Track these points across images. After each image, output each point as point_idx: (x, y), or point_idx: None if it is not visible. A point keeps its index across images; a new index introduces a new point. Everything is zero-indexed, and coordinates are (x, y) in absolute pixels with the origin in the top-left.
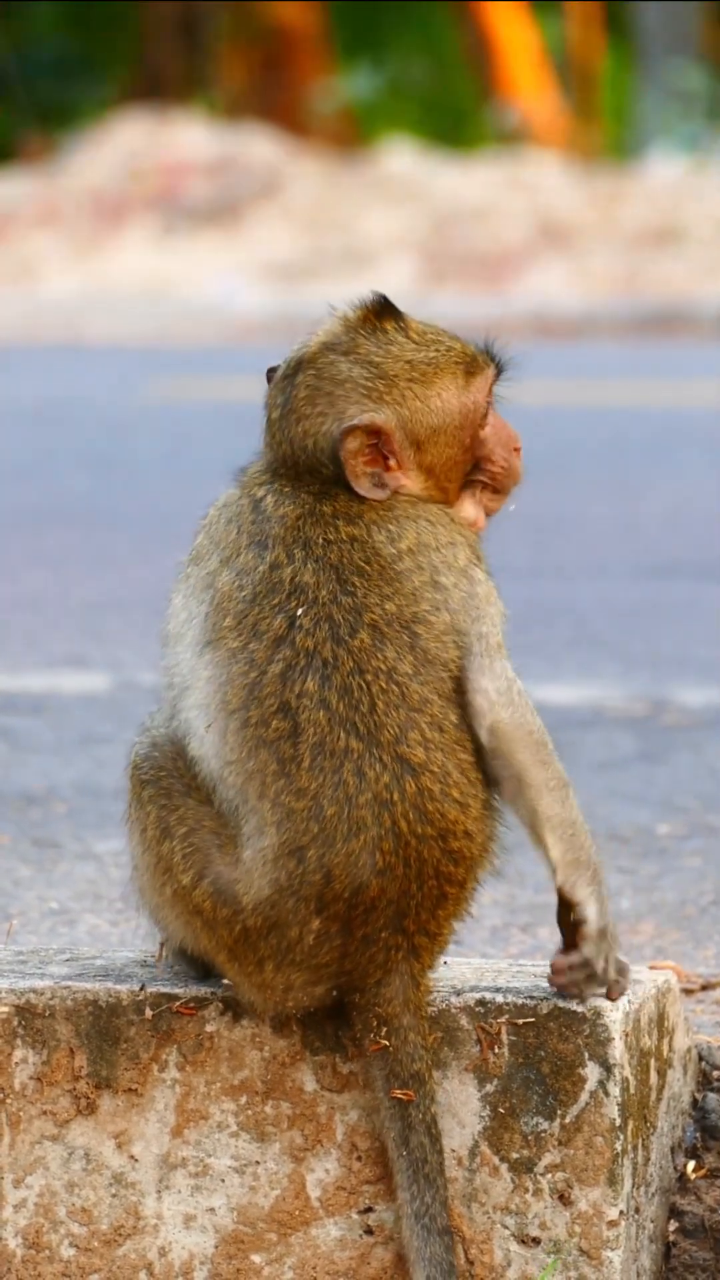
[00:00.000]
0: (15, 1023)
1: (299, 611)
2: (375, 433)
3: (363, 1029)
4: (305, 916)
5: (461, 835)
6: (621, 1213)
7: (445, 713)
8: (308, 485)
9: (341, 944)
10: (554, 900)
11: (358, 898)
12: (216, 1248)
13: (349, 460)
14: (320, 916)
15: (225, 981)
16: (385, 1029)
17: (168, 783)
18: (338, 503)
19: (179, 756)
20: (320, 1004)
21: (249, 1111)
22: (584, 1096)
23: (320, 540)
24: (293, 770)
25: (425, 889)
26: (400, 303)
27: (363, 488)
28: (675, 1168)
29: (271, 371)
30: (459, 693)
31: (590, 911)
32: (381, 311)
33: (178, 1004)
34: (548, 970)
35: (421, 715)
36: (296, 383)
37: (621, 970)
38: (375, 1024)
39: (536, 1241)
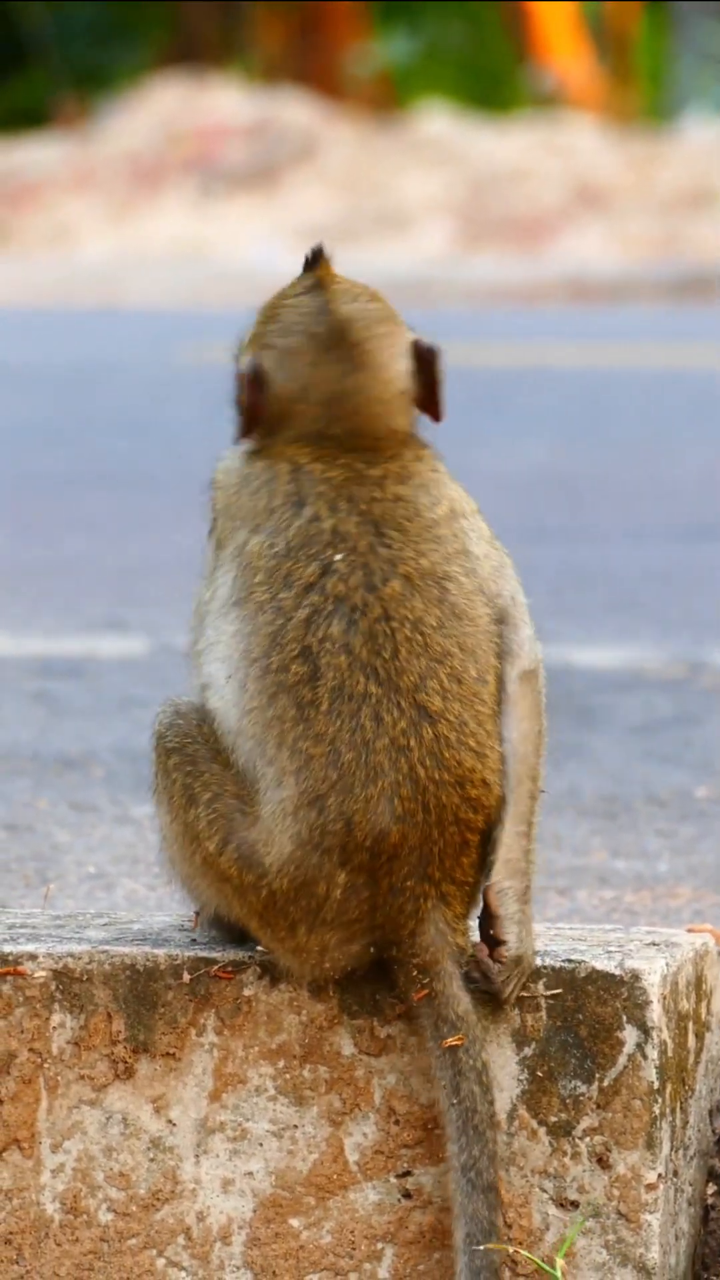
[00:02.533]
0: (53, 987)
1: (336, 558)
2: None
3: (405, 982)
4: (330, 870)
5: (479, 784)
6: (660, 1176)
7: (465, 666)
8: (357, 452)
9: (370, 896)
10: (590, 864)
11: (380, 846)
12: (254, 1212)
13: (438, 377)
14: (345, 869)
15: (260, 947)
16: (426, 977)
17: (192, 749)
18: (390, 466)
19: (203, 722)
20: (359, 963)
21: (287, 1075)
22: (622, 1060)
23: (366, 497)
24: (311, 715)
25: (447, 836)
26: (438, 266)
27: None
28: (714, 1130)
29: (250, 375)
30: (480, 650)
31: (511, 934)
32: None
33: (215, 968)
34: (584, 933)
35: (442, 666)
36: (351, 342)
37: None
38: (416, 974)
39: (575, 1205)
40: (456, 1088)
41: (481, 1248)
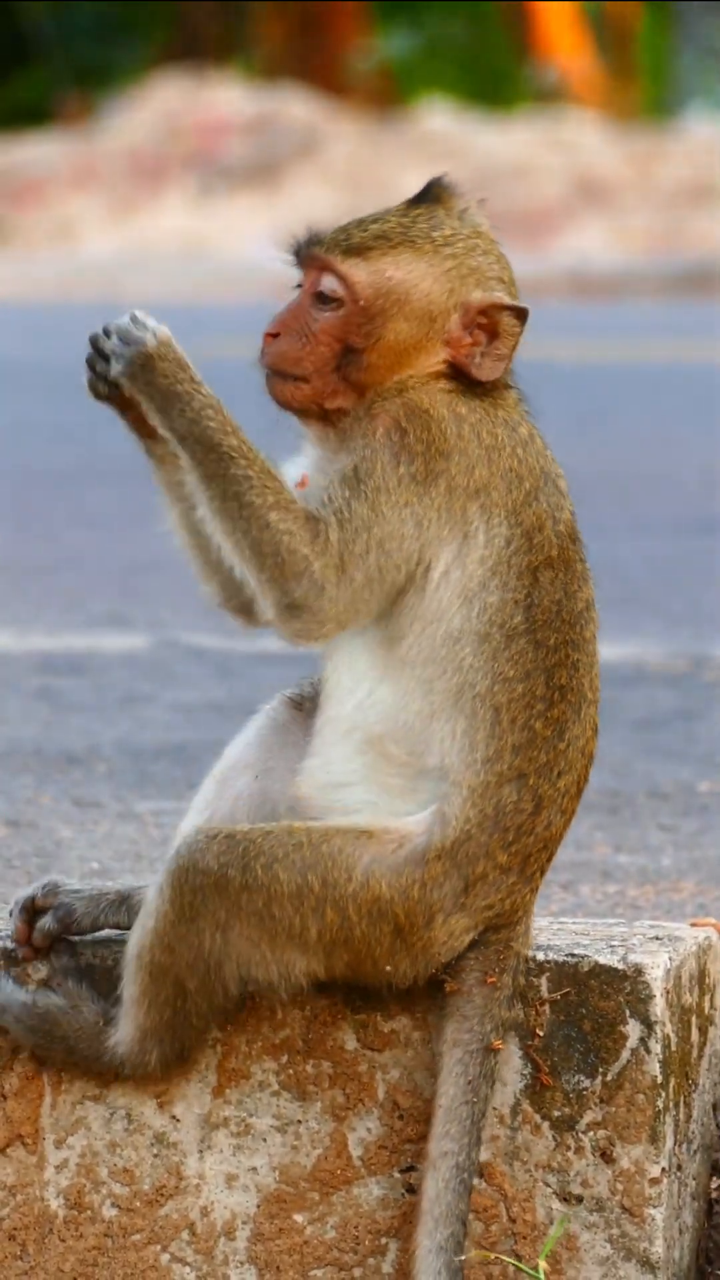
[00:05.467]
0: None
1: (586, 563)
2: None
3: (476, 963)
4: (494, 850)
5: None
6: (663, 1170)
7: None
8: (504, 407)
9: (513, 883)
10: (593, 859)
11: (546, 832)
12: (258, 1207)
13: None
14: (507, 851)
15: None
16: (502, 965)
17: (229, 854)
18: (524, 423)
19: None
20: (457, 953)
21: (290, 1071)
22: (625, 1054)
23: (556, 472)
24: (555, 698)
25: (565, 834)
26: None
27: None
28: (717, 1124)
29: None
30: None
31: None
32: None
33: None
34: (588, 927)
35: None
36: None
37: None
38: (498, 958)
39: (579, 1199)
40: (476, 1088)
41: (463, 1257)
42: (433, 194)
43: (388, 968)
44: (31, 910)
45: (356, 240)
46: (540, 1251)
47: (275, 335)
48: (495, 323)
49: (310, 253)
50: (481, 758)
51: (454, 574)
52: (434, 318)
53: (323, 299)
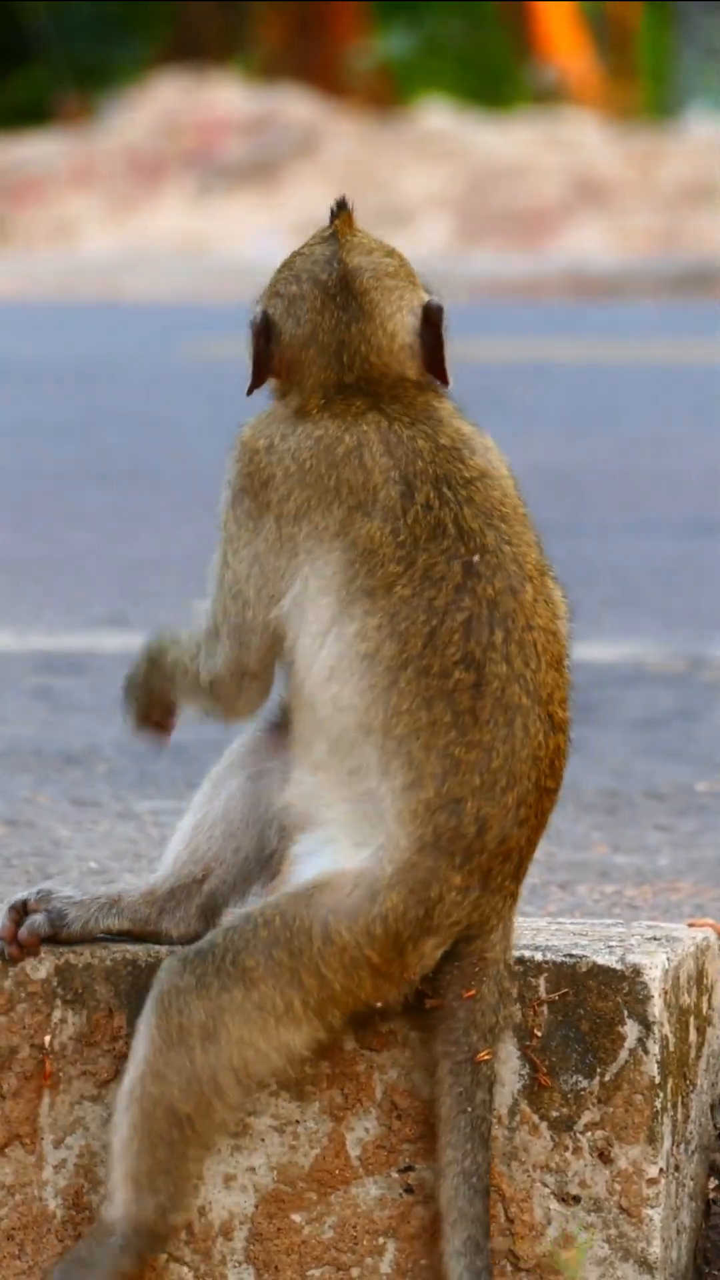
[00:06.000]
0: (55, 983)
1: (475, 559)
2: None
3: (453, 977)
4: (446, 873)
5: (559, 789)
6: (661, 1170)
7: (569, 669)
8: (401, 411)
9: (477, 898)
10: (591, 859)
11: (501, 848)
12: (257, 1207)
13: (444, 339)
14: (461, 871)
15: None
16: (478, 977)
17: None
18: (441, 431)
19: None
20: (431, 969)
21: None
22: (623, 1054)
23: (459, 478)
24: (467, 722)
25: (537, 838)
26: (437, 262)
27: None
28: (715, 1125)
29: (259, 324)
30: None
31: None
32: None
33: None
34: (586, 927)
35: (561, 676)
36: (356, 290)
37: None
38: (474, 970)
39: (576, 1199)
40: (471, 1096)
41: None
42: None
43: (378, 1004)
44: (22, 911)
45: None
46: (568, 1265)
47: None
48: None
49: None
50: (401, 786)
51: (306, 610)
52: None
53: None
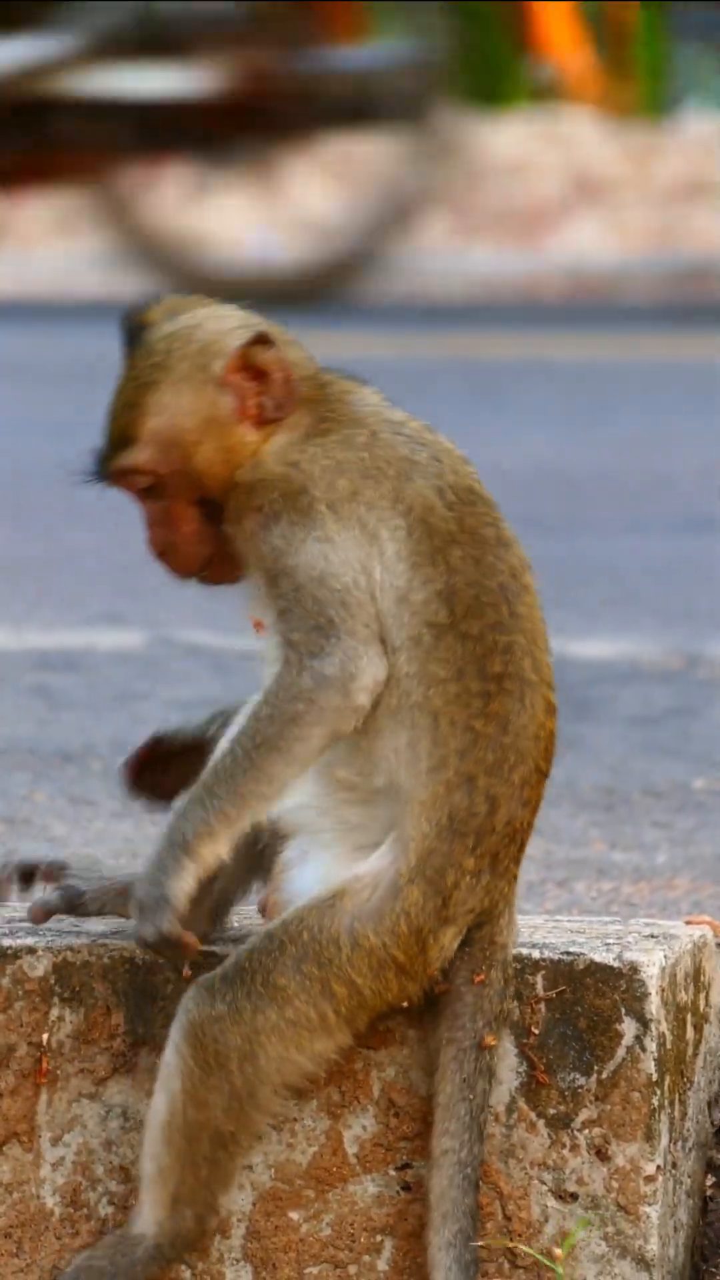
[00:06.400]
0: (52, 981)
1: (501, 524)
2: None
3: (463, 962)
4: (460, 857)
5: (548, 775)
6: (659, 1168)
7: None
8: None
9: (488, 882)
10: (588, 856)
11: (508, 828)
12: (254, 1205)
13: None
14: (474, 854)
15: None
16: (489, 961)
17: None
18: (406, 414)
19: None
20: (449, 959)
21: None
22: (621, 1052)
23: (456, 452)
24: (492, 691)
25: (533, 822)
26: (435, 259)
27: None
28: (712, 1122)
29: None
30: None
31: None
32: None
33: (215, 961)
34: (583, 925)
35: (550, 659)
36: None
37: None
38: (484, 955)
39: (574, 1197)
40: (472, 1084)
41: (479, 1243)
42: (134, 329)
43: (404, 1004)
44: (30, 874)
45: (115, 432)
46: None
47: (162, 553)
48: (253, 366)
49: (104, 473)
50: (426, 769)
51: (387, 580)
52: (213, 416)
53: (148, 495)
